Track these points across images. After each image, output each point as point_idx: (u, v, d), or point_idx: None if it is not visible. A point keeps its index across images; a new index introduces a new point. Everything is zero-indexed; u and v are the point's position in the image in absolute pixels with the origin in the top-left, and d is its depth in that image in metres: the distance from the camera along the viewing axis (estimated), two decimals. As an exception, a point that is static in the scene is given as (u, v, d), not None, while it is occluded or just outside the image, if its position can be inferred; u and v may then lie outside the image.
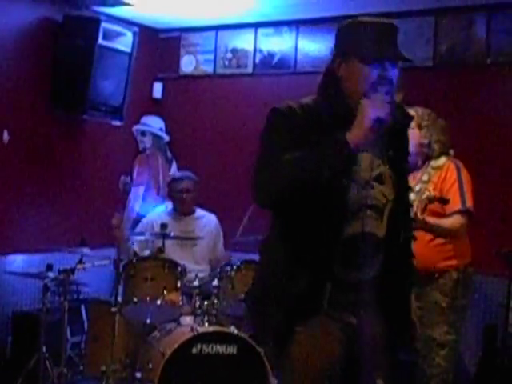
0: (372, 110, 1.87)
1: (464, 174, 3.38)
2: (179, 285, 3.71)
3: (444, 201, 3.18)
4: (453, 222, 3.29)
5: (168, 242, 4.01)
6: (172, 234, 4.00)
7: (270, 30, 5.09)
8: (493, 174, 4.10)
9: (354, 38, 1.98)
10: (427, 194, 3.22)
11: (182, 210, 4.38)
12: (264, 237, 2.21)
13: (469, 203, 3.31)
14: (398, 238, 2.12)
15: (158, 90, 5.46)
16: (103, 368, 3.65)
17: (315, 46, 4.89)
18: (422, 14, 4.53)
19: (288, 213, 1.99)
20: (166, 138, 5.03)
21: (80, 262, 3.84)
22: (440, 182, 3.35)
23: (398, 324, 2.15)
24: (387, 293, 2.06)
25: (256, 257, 3.97)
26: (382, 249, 2.07)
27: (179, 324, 3.74)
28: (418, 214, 3.06)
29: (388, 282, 2.07)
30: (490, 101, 4.35)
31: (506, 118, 4.28)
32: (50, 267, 3.75)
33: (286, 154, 1.89)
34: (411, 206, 2.31)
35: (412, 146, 3.37)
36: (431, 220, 3.20)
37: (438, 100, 4.02)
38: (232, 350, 3.56)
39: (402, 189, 2.12)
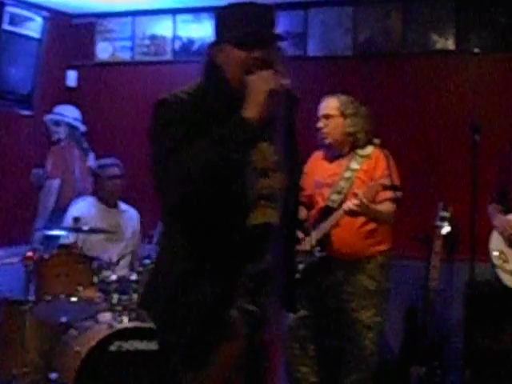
0: (262, 83, 1.82)
1: (392, 163, 3.42)
2: (96, 280, 3.57)
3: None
4: (386, 209, 3.33)
5: (95, 237, 3.94)
6: (86, 228, 3.82)
7: (189, 17, 4.96)
8: (408, 160, 4.08)
9: (226, 23, 1.95)
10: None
11: (109, 199, 4.20)
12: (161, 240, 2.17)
13: (398, 192, 3.36)
14: (289, 224, 2.02)
15: (72, 78, 5.24)
16: (15, 371, 3.47)
17: (233, 33, 4.80)
18: (341, 4, 4.50)
19: (189, 210, 1.89)
20: (82, 128, 4.78)
21: None
22: (370, 171, 3.35)
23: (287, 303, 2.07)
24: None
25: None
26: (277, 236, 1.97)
27: (96, 321, 3.58)
28: (365, 201, 3.11)
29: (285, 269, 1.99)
30: (406, 89, 4.37)
31: (422, 105, 4.30)
32: None
33: (187, 148, 1.81)
34: (301, 190, 2.30)
35: (337, 135, 3.40)
36: (376, 206, 3.26)
37: (358, 88, 3.97)
38: (152, 346, 3.39)
39: (296, 174, 2.08)
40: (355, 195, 3.17)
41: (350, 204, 3.15)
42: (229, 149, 1.79)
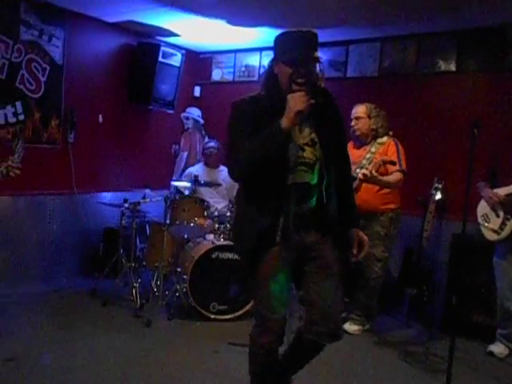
0: (293, 104, 1.73)
1: (400, 147, 3.33)
2: (205, 214, 3.74)
3: (392, 162, 3.15)
4: (394, 178, 3.22)
5: (203, 187, 4.02)
6: (202, 182, 3.97)
7: (270, 52, 4.86)
8: (417, 148, 3.92)
9: (279, 45, 1.85)
10: (382, 158, 3.17)
11: (210, 164, 4.27)
12: (237, 193, 2.05)
13: (403, 166, 3.26)
14: (330, 184, 1.91)
15: (197, 91, 5.38)
16: (157, 264, 3.73)
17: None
18: (371, 41, 4.32)
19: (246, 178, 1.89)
20: (202, 121, 4.94)
21: (144, 197, 3.91)
22: (384, 153, 3.28)
23: (337, 236, 1.95)
24: (327, 216, 1.90)
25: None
26: (317, 191, 1.88)
27: (204, 239, 3.77)
28: (374, 173, 3.04)
29: (326, 211, 1.90)
30: (416, 99, 4.16)
31: (429, 110, 4.09)
32: (125, 200, 3.82)
33: (245, 141, 1.78)
34: (345, 160, 2.06)
35: (364, 130, 3.38)
36: (385, 177, 3.20)
37: (381, 99, 3.83)
38: (237, 256, 3.43)
39: (330, 149, 1.89)
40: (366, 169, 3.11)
41: (360, 173, 3.10)
42: (268, 148, 1.76)
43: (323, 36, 4.31)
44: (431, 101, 4.10)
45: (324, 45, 4.54)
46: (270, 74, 1.89)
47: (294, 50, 1.78)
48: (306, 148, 1.86)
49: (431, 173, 3.64)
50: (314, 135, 1.88)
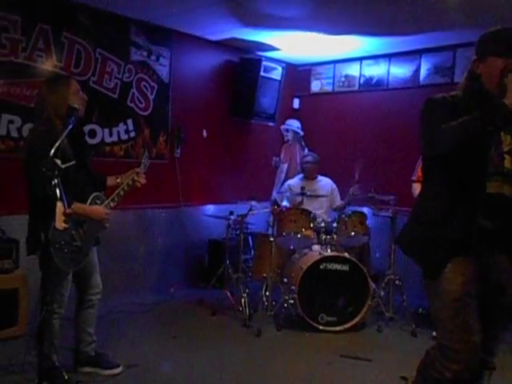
0: None
1: None
2: (312, 225, 3.85)
3: None
4: None
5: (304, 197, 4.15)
6: (308, 193, 4.12)
7: (371, 61, 5.02)
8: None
9: (486, 40, 1.78)
10: None
11: (308, 175, 4.43)
12: (421, 193, 1.93)
13: None
14: None
15: (296, 103, 5.57)
16: (264, 275, 3.90)
17: (401, 71, 4.81)
18: None
19: (445, 171, 1.76)
20: (301, 133, 5.12)
21: (250, 210, 4.03)
22: None
23: None
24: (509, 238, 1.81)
25: (359, 208, 4.08)
26: (509, 205, 1.79)
27: (311, 250, 3.89)
28: None
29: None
30: None
31: None
32: (231, 213, 4.03)
33: (444, 122, 1.68)
34: None
35: None
36: None
37: None
38: (345, 267, 3.68)
39: None
40: None
41: None
42: (487, 121, 1.62)
43: (427, 41, 4.43)
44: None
45: (428, 50, 4.58)
46: (472, 76, 1.80)
47: (508, 39, 1.71)
48: (507, 156, 1.77)
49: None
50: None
